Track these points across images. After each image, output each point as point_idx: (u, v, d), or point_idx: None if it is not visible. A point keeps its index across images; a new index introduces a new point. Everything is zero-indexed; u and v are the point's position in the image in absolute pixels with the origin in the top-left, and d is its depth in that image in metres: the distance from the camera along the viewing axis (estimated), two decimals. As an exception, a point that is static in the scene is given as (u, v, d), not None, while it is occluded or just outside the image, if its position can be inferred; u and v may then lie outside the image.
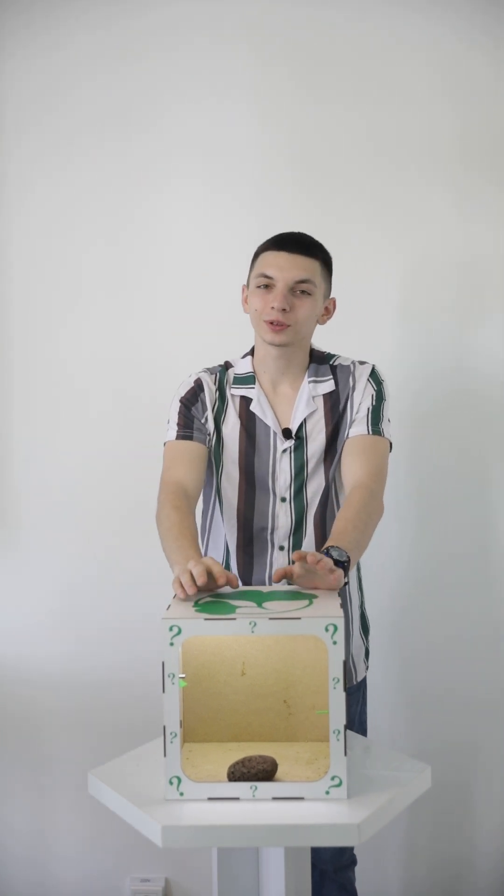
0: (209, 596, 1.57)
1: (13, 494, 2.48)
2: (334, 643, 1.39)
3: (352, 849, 2.10)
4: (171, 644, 1.41)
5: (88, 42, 2.41)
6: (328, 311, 1.96)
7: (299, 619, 1.41)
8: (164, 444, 1.94)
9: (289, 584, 1.62)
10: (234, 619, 1.42)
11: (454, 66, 2.37)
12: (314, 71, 2.39)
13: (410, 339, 2.41)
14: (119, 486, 2.42)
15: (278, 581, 1.59)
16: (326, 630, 1.39)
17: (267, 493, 1.93)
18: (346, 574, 1.62)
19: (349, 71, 2.39)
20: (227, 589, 1.60)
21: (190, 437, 1.91)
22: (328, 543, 1.68)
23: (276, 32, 2.38)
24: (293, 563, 1.58)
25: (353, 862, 2.11)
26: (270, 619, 1.41)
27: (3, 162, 2.45)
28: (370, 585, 2.15)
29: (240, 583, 1.68)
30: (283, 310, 1.84)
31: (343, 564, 1.62)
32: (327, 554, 1.62)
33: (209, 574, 1.56)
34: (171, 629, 1.40)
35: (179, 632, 1.41)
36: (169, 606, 1.51)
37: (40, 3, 2.41)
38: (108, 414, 2.37)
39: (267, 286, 1.86)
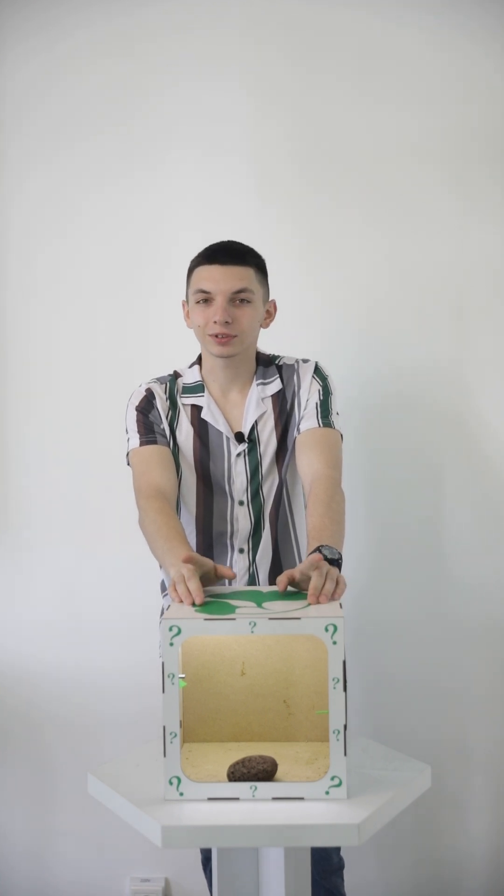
0: (209, 596, 1.57)
1: (14, 495, 2.48)
2: (334, 643, 1.39)
3: (339, 853, 2.09)
4: (171, 644, 1.41)
5: (86, 25, 2.41)
6: (269, 315, 1.97)
7: (299, 619, 1.41)
8: (128, 454, 1.96)
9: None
10: (234, 619, 1.42)
11: (458, 58, 2.36)
12: (314, 57, 2.38)
13: (405, 337, 2.41)
14: (120, 486, 2.40)
15: (284, 588, 1.58)
16: (326, 630, 1.39)
17: (225, 498, 1.95)
18: (340, 570, 1.63)
19: (349, 58, 2.38)
20: (227, 587, 1.60)
21: (154, 442, 1.93)
22: (312, 543, 1.69)
23: (274, 23, 2.38)
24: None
25: (341, 867, 2.10)
26: (270, 619, 1.41)
27: (2, 147, 2.45)
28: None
29: (234, 573, 1.69)
30: (226, 322, 1.85)
31: (337, 562, 1.63)
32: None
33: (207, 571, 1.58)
34: (170, 629, 1.40)
35: (179, 632, 1.41)
36: (169, 606, 1.51)
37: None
38: (109, 413, 2.36)
39: (206, 301, 1.88)
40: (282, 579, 1.58)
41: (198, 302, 1.89)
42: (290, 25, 2.39)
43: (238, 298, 1.87)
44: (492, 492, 2.41)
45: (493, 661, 2.43)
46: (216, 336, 1.87)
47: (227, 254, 1.88)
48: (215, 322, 1.86)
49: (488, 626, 2.43)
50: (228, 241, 1.93)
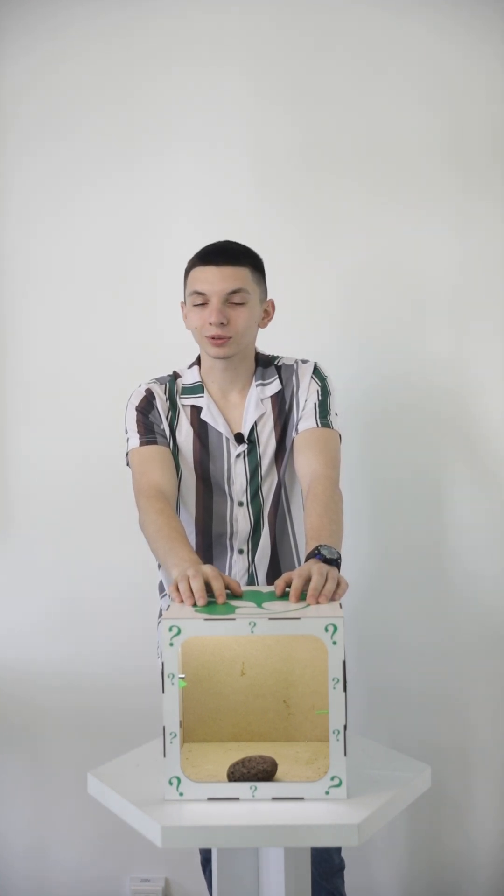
0: (209, 595, 1.56)
1: (12, 496, 2.48)
2: (334, 643, 1.39)
3: (340, 853, 2.09)
4: (171, 644, 1.41)
5: (86, 14, 2.41)
6: (268, 314, 1.97)
7: (299, 619, 1.41)
8: (128, 454, 1.96)
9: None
10: (234, 619, 1.42)
11: (462, 51, 2.36)
12: (316, 48, 2.38)
13: (406, 338, 2.41)
14: (118, 488, 2.41)
15: (282, 590, 1.58)
16: (326, 630, 1.39)
17: (224, 498, 1.95)
18: (339, 569, 1.63)
19: (352, 49, 2.37)
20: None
21: (154, 442, 1.93)
22: (310, 543, 1.69)
23: (275, 13, 2.38)
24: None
25: (342, 867, 2.10)
26: (270, 619, 1.41)
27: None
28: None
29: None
30: (221, 324, 1.85)
31: (336, 561, 1.64)
32: (318, 555, 1.63)
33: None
34: (170, 629, 1.41)
35: (179, 632, 1.41)
36: (169, 606, 1.51)
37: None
38: (108, 415, 2.36)
39: (202, 303, 1.88)
40: (279, 583, 1.58)
41: (194, 304, 1.89)
42: (291, 15, 2.38)
43: (233, 299, 1.87)
44: (494, 494, 2.41)
45: (494, 664, 2.43)
46: (212, 338, 1.87)
47: (222, 254, 1.88)
48: (210, 324, 1.86)
49: (490, 630, 2.42)
50: (224, 242, 1.93)
